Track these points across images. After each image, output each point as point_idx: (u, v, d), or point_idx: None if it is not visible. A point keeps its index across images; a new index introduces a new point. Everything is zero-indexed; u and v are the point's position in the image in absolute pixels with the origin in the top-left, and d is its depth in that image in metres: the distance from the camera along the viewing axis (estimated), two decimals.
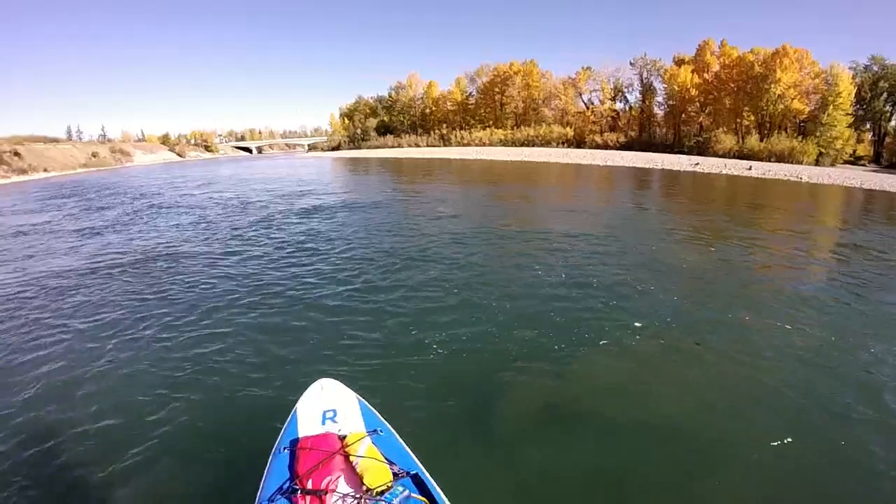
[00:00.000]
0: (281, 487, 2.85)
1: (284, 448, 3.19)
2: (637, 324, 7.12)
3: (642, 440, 4.73)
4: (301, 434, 3.32)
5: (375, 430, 3.27)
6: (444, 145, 69.93)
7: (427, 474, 2.95)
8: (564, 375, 5.85)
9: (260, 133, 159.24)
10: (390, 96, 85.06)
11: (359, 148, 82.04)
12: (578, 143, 58.77)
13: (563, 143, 59.48)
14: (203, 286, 10.08)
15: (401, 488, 2.74)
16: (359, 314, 7.91)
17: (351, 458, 2.91)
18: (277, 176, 41.30)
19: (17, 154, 69.74)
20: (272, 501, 2.77)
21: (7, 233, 19.07)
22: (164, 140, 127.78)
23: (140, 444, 4.96)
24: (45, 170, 71.45)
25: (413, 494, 2.73)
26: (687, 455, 4.55)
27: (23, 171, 66.31)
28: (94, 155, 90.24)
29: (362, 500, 2.63)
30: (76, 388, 6.20)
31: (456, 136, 70.80)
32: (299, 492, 2.73)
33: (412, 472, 2.92)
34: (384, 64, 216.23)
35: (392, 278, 9.82)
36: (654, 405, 5.26)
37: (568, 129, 61.45)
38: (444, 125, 74.73)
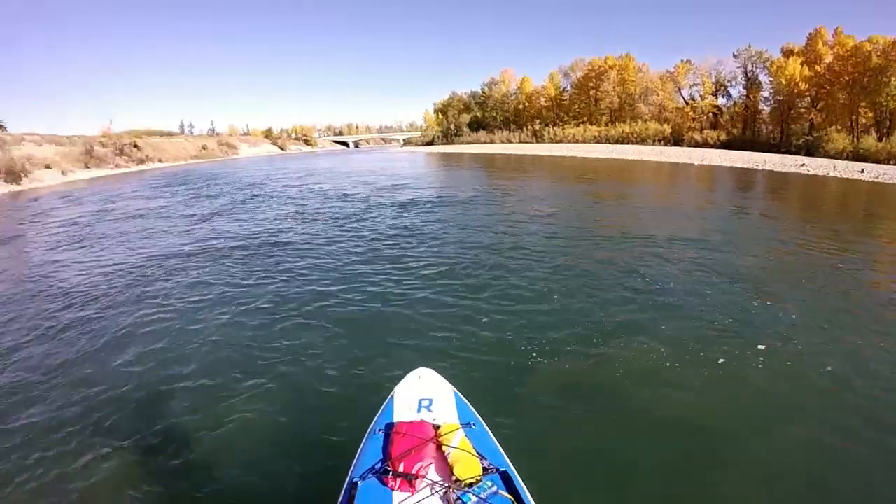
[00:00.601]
0: (373, 467, 2.95)
1: (379, 430, 3.29)
2: (760, 346, 6.58)
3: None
4: (396, 419, 3.39)
5: (469, 424, 3.27)
6: (537, 141, 69.89)
7: (516, 473, 2.94)
8: (679, 398, 5.45)
9: (357, 128, 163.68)
10: (483, 92, 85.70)
11: (452, 143, 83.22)
12: (676, 140, 56.48)
13: (659, 141, 57.53)
14: (302, 273, 10.73)
15: (489, 483, 2.73)
16: (455, 309, 8.05)
17: (443, 448, 2.95)
18: (373, 169, 42.60)
19: (136, 146, 76.80)
20: (364, 479, 2.88)
21: (128, 215, 21.95)
22: (268, 134, 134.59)
23: (237, 417, 5.43)
24: (160, 160, 78.69)
25: (501, 491, 2.71)
26: None
27: (141, 162, 73.42)
28: (204, 147, 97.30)
29: (450, 490, 2.65)
30: (176, 362, 6.82)
31: (549, 132, 70.72)
32: (391, 473, 2.82)
33: (501, 470, 2.89)
34: (480, 56, 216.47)
35: (487, 275, 9.86)
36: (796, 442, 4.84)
37: (665, 125, 59.35)
38: (537, 121, 74.17)
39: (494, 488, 2.69)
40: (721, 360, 6.22)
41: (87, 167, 62.50)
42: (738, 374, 5.97)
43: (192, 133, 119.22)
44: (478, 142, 78.98)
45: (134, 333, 7.96)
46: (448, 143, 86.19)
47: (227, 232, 16.34)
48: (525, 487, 2.83)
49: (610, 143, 60.96)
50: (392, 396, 3.70)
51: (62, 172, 56.55)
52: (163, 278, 11.05)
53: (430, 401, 3.57)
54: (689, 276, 9.58)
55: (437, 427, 3.15)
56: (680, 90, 62.91)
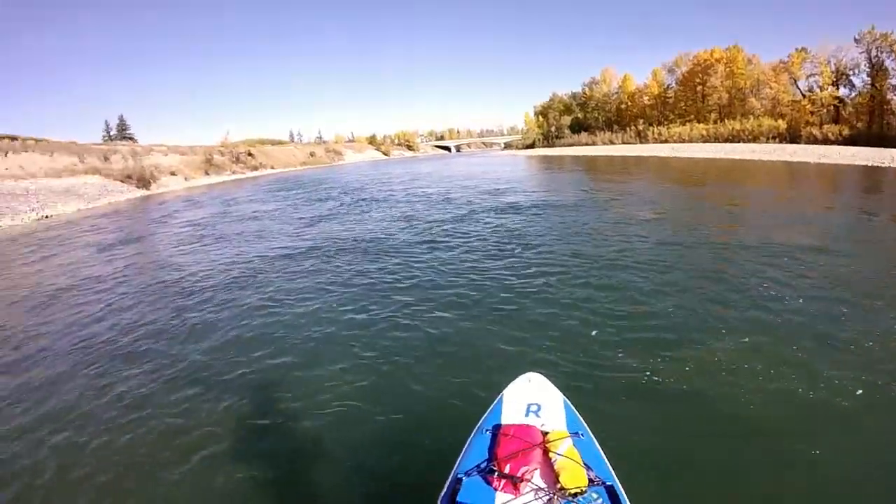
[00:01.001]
0: (479, 465, 2.96)
1: (486, 430, 3.28)
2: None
3: None
4: (504, 421, 3.37)
5: (577, 433, 3.22)
6: (641, 142, 68.54)
7: (621, 489, 2.84)
8: (810, 432, 4.71)
9: (458, 132, 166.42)
10: (584, 92, 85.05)
11: (552, 146, 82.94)
12: (793, 137, 52.32)
13: (773, 138, 53.80)
14: (409, 274, 10.98)
15: (595, 496, 2.66)
16: (563, 316, 7.76)
17: (550, 455, 2.90)
18: (474, 173, 43.05)
19: (250, 154, 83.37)
20: (468, 475, 2.90)
21: (243, 217, 24.48)
22: (371, 140, 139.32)
23: (343, 406, 5.61)
24: (272, 167, 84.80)
25: None
26: None
27: (254, 168, 79.74)
28: (312, 154, 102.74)
29: (555, 498, 2.62)
30: (284, 353, 7.23)
31: (653, 132, 69.17)
32: (496, 473, 2.82)
33: (608, 483, 2.81)
34: (581, 55, 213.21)
35: (595, 282, 9.43)
36: None
37: (780, 121, 55.32)
38: (641, 121, 72.17)
39: (600, 501, 2.64)
40: (859, 394, 5.24)
41: (207, 174, 69.19)
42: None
43: (300, 141, 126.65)
44: (579, 143, 78.51)
45: (245, 323, 8.62)
46: (549, 145, 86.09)
47: (335, 233, 17.23)
48: None
49: (719, 141, 58.59)
50: (501, 398, 3.69)
51: (185, 179, 63.16)
52: (274, 275, 11.92)
53: (539, 406, 3.55)
54: (813, 291, 8.35)
55: (545, 433, 3.13)
56: (795, 82, 58.28)
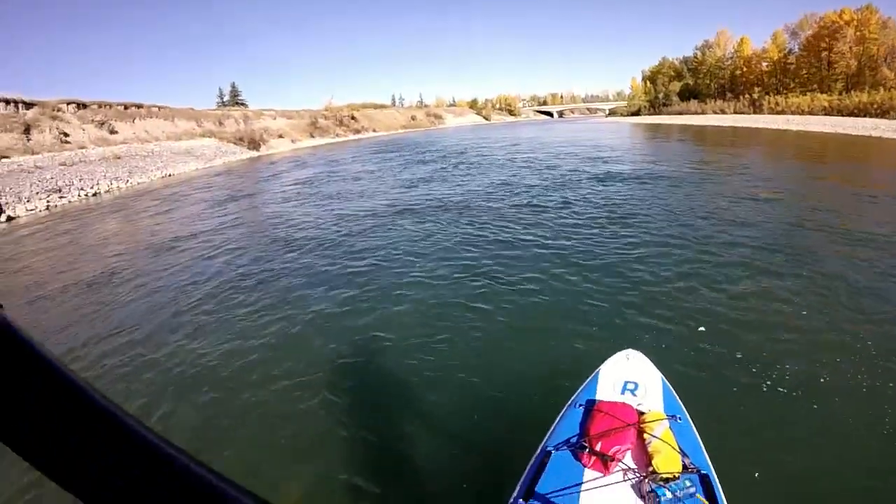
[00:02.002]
0: (569, 440, 2.92)
1: (580, 405, 3.24)
2: None
3: None
4: (598, 397, 3.33)
5: (675, 416, 3.09)
6: (755, 112, 63.64)
7: (716, 478, 2.72)
8: None
9: (562, 97, 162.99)
10: (695, 57, 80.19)
11: (659, 114, 79.30)
12: None
13: None
14: (507, 241, 10.87)
15: (688, 483, 2.53)
16: (666, 295, 7.36)
17: (644, 436, 2.82)
18: (574, 140, 42.02)
19: (353, 118, 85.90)
20: (558, 449, 2.87)
21: (345, 177, 26.21)
22: (472, 105, 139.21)
23: (438, 370, 5.68)
24: (374, 130, 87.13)
25: (698, 494, 2.51)
26: None
27: (357, 132, 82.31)
28: (413, 118, 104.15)
29: (646, 480, 2.55)
30: (376, 315, 7.34)
31: (769, 101, 63.87)
32: (587, 450, 2.77)
33: (702, 472, 2.68)
34: (695, 14, 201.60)
35: (703, 261, 8.83)
36: None
37: None
38: (757, 89, 66.67)
39: (693, 489, 2.51)
40: None
41: (312, 136, 72.73)
42: None
43: (402, 105, 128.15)
44: (687, 112, 74.73)
45: (340, 280, 9.07)
46: (655, 113, 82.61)
47: (435, 195, 17.56)
48: (724, 496, 2.65)
49: (843, 115, 52.72)
50: (597, 373, 3.64)
51: (291, 141, 66.62)
52: (371, 234, 12.35)
53: (636, 384, 3.47)
54: None
55: (641, 413, 3.05)
56: None
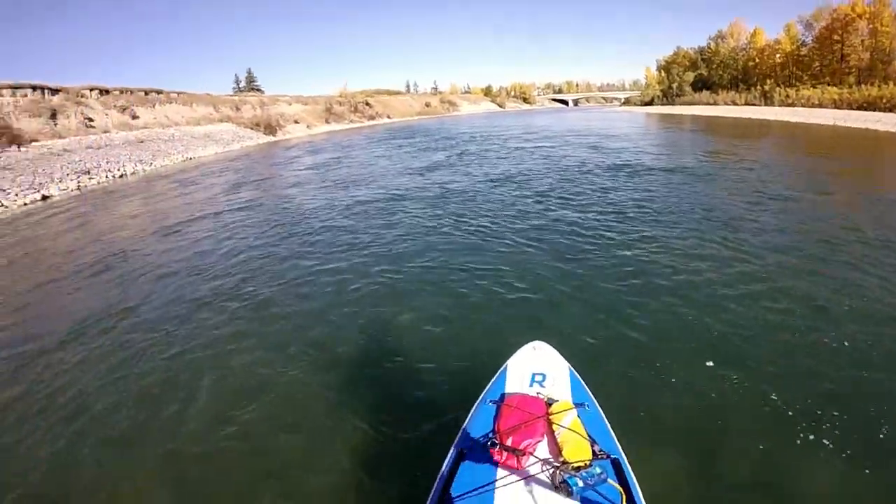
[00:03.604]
0: (481, 437, 2.93)
1: (491, 401, 3.23)
2: None
3: None
4: (508, 391, 3.36)
5: (582, 404, 3.14)
6: (766, 104, 63.39)
7: (627, 462, 2.81)
8: None
9: (577, 86, 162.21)
10: (709, 47, 79.92)
11: (672, 104, 79.54)
12: None
13: None
14: (500, 233, 10.85)
15: (598, 469, 2.57)
16: (669, 296, 7.08)
17: (553, 427, 2.87)
18: (586, 129, 42.66)
19: (367, 104, 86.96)
20: (470, 449, 2.90)
21: (358, 163, 27.31)
22: (487, 92, 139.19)
23: (343, 372, 5.71)
24: (388, 116, 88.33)
25: (610, 479, 2.57)
26: None
27: (371, 118, 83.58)
28: (427, 105, 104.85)
29: (558, 471, 2.58)
30: (328, 309, 7.66)
31: (780, 93, 63.38)
32: (498, 446, 2.77)
33: (612, 457, 2.77)
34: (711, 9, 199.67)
35: (711, 256, 8.61)
36: None
37: None
38: (769, 80, 66.76)
39: (604, 475, 2.56)
40: None
41: (327, 122, 74.00)
42: None
43: (416, 92, 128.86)
44: (699, 102, 74.73)
45: (343, 259, 9.74)
46: (668, 103, 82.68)
47: (446, 181, 18.32)
48: (635, 478, 2.73)
49: (851, 108, 51.69)
50: (506, 367, 3.67)
51: (307, 126, 67.95)
52: (376, 217, 13.05)
53: (544, 375, 3.50)
54: None
55: (549, 403, 3.09)
56: None
